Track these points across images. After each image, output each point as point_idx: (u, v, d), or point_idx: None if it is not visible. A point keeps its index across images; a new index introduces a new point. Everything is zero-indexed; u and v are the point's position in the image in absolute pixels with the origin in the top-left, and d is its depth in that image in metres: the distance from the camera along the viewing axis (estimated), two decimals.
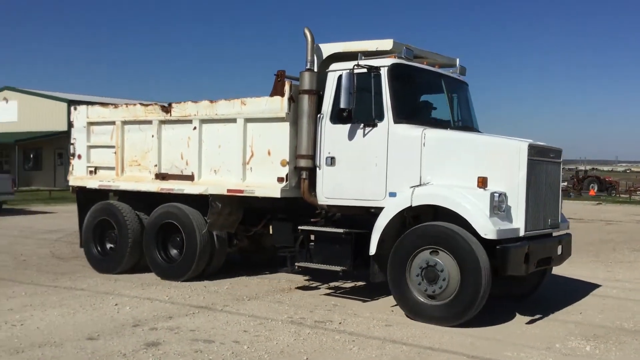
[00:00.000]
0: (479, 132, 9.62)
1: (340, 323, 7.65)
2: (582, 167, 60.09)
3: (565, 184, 52.61)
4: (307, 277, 10.72)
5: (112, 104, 11.83)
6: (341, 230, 8.74)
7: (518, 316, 8.25)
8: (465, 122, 9.62)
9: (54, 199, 31.00)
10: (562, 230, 9.03)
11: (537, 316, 8.29)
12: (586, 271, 11.95)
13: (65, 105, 39.31)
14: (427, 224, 8.04)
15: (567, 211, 28.39)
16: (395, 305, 8.28)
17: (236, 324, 7.51)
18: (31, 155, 43.00)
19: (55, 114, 41.33)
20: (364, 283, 10.03)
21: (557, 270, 11.33)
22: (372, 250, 8.26)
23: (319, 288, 9.96)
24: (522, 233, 7.82)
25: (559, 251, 8.64)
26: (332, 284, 10.18)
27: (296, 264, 9.24)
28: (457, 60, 9.93)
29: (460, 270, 7.54)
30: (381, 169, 8.49)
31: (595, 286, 10.42)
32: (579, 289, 10.11)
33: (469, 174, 7.95)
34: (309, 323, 7.62)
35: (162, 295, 9.08)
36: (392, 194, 8.36)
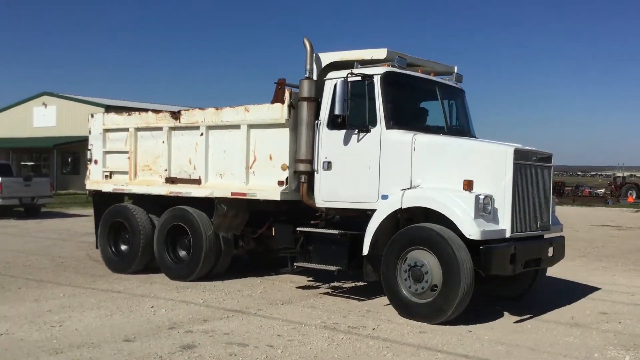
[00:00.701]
0: (475, 137, 9.87)
1: (373, 329, 7.64)
2: (619, 174, 58.87)
3: (603, 190, 51.66)
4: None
5: (126, 112, 12.31)
6: (336, 232, 9.10)
7: (549, 324, 8.19)
8: (461, 128, 9.93)
9: (91, 202, 31.54)
10: (554, 232, 9.19)
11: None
12: (625, 279, 11.79)
13: (102, 110, 40.01)
14: (414, 225, 8.36)
15: (605, 218, 28.06)
16: None
17: (270, 328, 7.56)
18: (69, 159, 43.87)
19: None
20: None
21: (594, 278, 11.18)
22: (365, 250, 8.62)
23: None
24: (508, 234, 8.07)
25: (550, 253, 8.85)
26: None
27: (295, 264, 9.62)
28: (455, 68, 10.21)
29: (442, 270, 7.84)
30: (374, 172, 8.83)
31: (634, 295, 10.23)
32: (617, 298, 9.94)
33: (456, 177, 8.23)
34: (342, 328, 7.63)
35: (197, 298, 9.18)
36: (385, 197, 8.68)
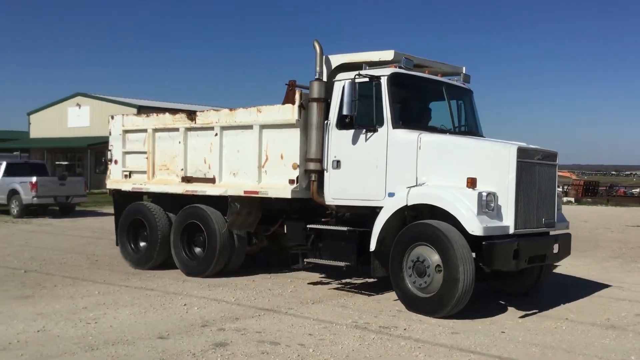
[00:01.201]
0: (482, 137, 10.07)
1: (405, 329, 7.60)
2: None
3: (638, 190, 50.63)
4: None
5: (144, 114, 12.72)
6: (345, 229, 9.37)
7: (584, 325, 8.03)
8: (469, 127, 10.16)
9: None
10: (560, 229, 9.34)
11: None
12: None
13: (135, 110, 40.52)
14: (418, 222, 8.61)
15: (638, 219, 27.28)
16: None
17: (301, 327, 7.58)
18: (102, 159, 44.47)
19: None
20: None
21: (630, 279, 10.99)
22: (372, 246, 8.89)
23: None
24: (511, 231, 8.25)
25: (556, 249, 9.03)
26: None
27: (305, 260, 9.91)
28: (463, 68, 10.46)
29: (443, 265, 8.06)
30: (381, 170, 9.10)
31: None
32: None
33: (461, 175, 8.45)
34: (373, 328, 7.61)
35: (228, 296, 9.25)
36: (391, 194, 8.94)
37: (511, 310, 8.68)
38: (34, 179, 23.33)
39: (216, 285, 10.06)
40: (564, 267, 12.63)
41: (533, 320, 8.15)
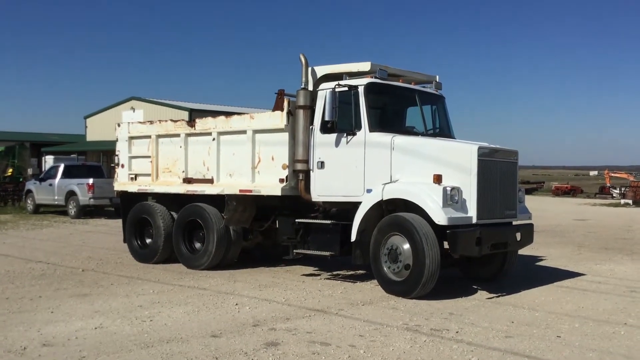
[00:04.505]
0: (454, 138, 11.01)
1: (457, 332, 7.49)
2: None
3: None
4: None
5: (148, 121, 13.69)
6: (329, 222, 10.40)
7: (624, 327, 7.80)
8: (440, 130, 11.10)
9: None
10: (522, 220, 10.36)
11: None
12: None
13: (187, 113, 41.25)
14: (393, 214, 9.60)
15: None
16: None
17: (351, 328, 7.57)
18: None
19: None
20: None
21: None
22: (353, 237, 9.90)
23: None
24: (474, 221, 9.24)
25: (518, 237, 9.99)
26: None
27: (295, 250, 10.88)
28: (437, 77, 11.48)
29: (412, 252, 9.07)
30: (360, 170, 10.08)
31: None
32: None
33: (429, 172, 9.39)
34: (425, 331, 7.53)
35: (279, 297, 9.33)
36: (369, 190, 9.91)
37: (567, 315, 8.47)
38: (90, 180, 24.07)
39: (267, 286, 10.18)
40: (625, 271, 12.35)
41: (590, 325, 7.93)
